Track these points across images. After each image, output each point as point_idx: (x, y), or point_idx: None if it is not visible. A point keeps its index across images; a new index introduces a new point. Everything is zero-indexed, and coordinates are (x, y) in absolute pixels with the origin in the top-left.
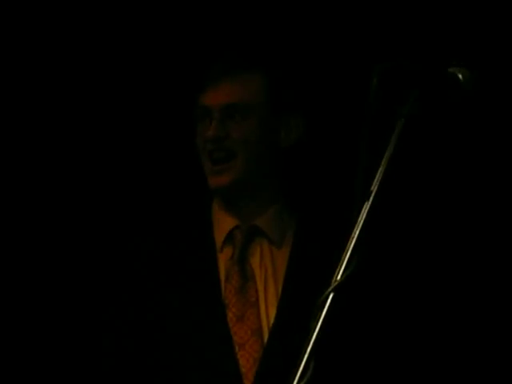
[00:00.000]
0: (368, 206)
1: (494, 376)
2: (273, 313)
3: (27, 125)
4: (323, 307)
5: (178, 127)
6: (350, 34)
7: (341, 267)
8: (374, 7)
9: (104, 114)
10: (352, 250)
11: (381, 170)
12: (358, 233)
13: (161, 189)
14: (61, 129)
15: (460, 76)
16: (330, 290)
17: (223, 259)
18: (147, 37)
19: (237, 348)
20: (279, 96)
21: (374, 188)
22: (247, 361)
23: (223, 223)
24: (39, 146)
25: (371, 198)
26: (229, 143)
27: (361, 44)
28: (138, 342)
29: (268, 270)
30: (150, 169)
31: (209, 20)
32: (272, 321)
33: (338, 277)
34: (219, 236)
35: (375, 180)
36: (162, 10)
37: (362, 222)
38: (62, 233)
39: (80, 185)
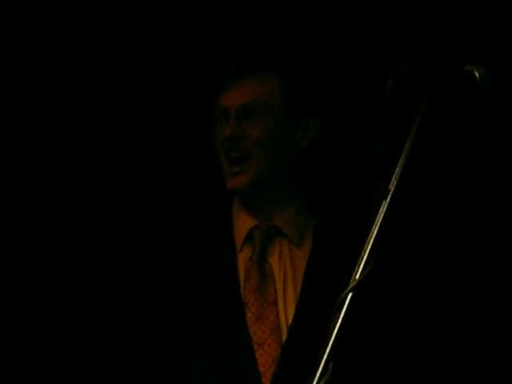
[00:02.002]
0: (386, 204)
1: (498, 378)
2: (291, 312)
3: (30, 126)
4: (342, 307)
5: (201, 129)
6: (365, 35)
7: (359, 266)
8: (387, 9)
9: (126, 113)
10: (370, 249)
11: (398, 169)
12: (376, 232)
13: (182, 189)
14: (84, 130)
15: (477, 74)
16: (348, 289)
17: (243, 259)
18: (165, 40)
19: (255, 347)
20: (295, 97)
21: (392, 187)
22: (266, 360)
23: (242, 223)
24: (56, 149)
25: (389, 197)
26: (245, 143)
27: (376, 45)
28: (157, 340)
29: (287, 270)
30: (173, 169)
31: (225, 22)
32: (290, 320)
33: (357, 276)
34: (239, 236)
35: (393, 179)
36: (178, 14)
37: (380, 220)
38: (81, 232)
39: (102, 185)
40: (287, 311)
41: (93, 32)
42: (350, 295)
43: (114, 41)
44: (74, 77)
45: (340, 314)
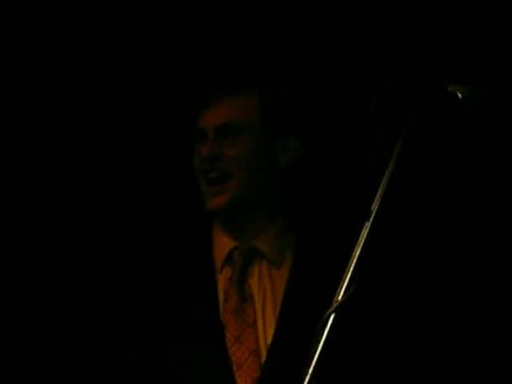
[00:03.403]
0: (369, 225)
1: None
2: (271, 333)
3: (32, 129)
4: (324, 328)
5: (181, 148)
6: (348, 53)
7: (342, 287)
8: (372, 26)
9: (109, 133)
10: (353, 271)
11: (381, 189)
12: (358, 253)
13: (162, 208)
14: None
15: (459, 94)
16: (331, 310)
17: (222, 280)
18: (152, 48)
19: (235, 368)
20: (273, 116)
21: (375, 207)
22: (245, 381)
23: (222, 244)
24: (56, 152)
25: (372, 218)
26: (223, 163)
27: (359, 63)
28: (135, 361)
29: (266, 291)
30: (152, 188)
31: (205, 42)
32: (270, 341)
33: (339, 297)
34: (219, 257)
35: (375, 199)
36: (165, 30)
37: (362, 241)
38: (67, 240)
39: (85, 201)
40: (266, 332)
41: (84, 39)
42: (332, 316)
43: (106, 48)
44: (63, 82)
45: (323, 335)
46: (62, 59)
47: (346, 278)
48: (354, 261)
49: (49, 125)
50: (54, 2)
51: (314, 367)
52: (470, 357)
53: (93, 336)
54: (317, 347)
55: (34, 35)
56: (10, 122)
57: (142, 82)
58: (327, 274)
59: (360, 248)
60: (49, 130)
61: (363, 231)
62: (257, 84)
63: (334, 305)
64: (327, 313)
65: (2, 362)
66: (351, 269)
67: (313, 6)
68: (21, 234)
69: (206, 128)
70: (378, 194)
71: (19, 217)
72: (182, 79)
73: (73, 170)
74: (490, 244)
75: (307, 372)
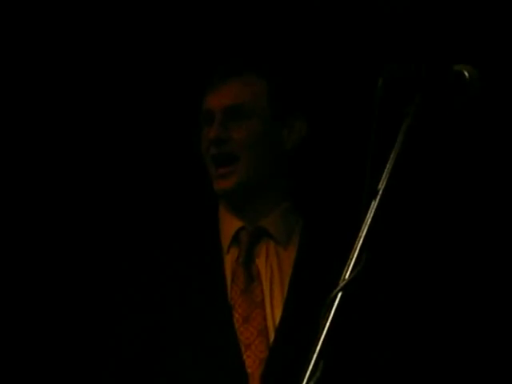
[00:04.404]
0: (375, 204)
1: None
2: (278, 313)
3: (33, 129)
4: (332, 306)
5: (187, 131)
6: (353, 35)
7: (349, 266)
8: (375, 9)
9: (114, 117)
10: (360, 249)
11: (387, 168)
12: (365, 232)
13: (168, 191)
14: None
15: (466, 74)
16: (338, 289)
17: (229, 260)
18: (153, 42)
19: (243, 348)
20: (281, 98)
21: (381, 187)
22: (253, 361)
23: (229, 225)
24: (58, 152)
25: (378, 197)
26: (231, 145)
27: (364, 45)
28: (143, 342)
29: (274, 271)
30: (159, 171)
31: (211, 25)
32: (278, 321)
33: (346, 276)
34: (225, 237)
35: (382, 179)
36: (166, 18)
37: (369, 220)
38: (67, 238)
39: (86, 189)
40: (274, 312)
41: (84, 35)
42: (339, 294)
43: (106, 42)
44: (66, 84)
45: (330, 313)
46: (62, 54)
47: (352, 257)
48: (361, 240)
49: (52, 122)
50: (54, 1)
51: (321, 346)
52: (471, 351)
53: (98, 320)
54: (324, 326)
55: (34, 35)
56: (10, 122)
57: (146, 66)
58: (334, 254)
59: (367, 227)
60: (52, 127)
61: (370, 210)
62: (263, 66)
63: (341, 283)
64: (334, 292)
65: None
66: (358, 248)
67: None
68: (22, 229)
69: (213, 109)
70: (385, 173)
71: (22, 213)
72: (185, 66)
73: (76, 154)
74: (496, 227)
75: (314, 351)
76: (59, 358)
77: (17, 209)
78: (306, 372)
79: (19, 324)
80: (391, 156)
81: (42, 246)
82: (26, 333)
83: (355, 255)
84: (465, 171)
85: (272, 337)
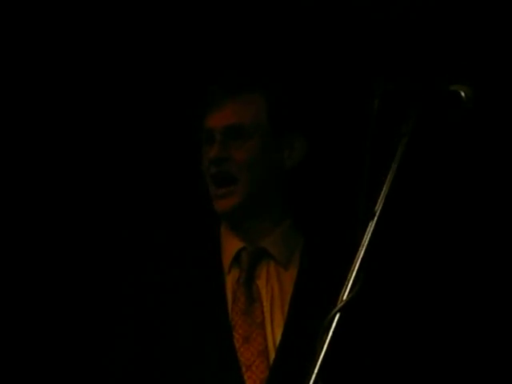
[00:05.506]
0: (372, 225)
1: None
2: (279, 334)
3: (33, 129)
4: (329, 327)
5: (190, 148)
6: (351, 53)
7: (346, 287)
8: (374, 26)
9: (114, 136)
10: (357, 270)
11: (384, 189)
12: (363, 253)
13: (170, 210)
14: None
15: (462, 94)
16: (335, 310)
17: (230, 281)
18: (155, 51)
19: (243, 369)
20: (280, 116)
21: (378, 208)
22: (254, 382)
23: (230, 245)
24: (61, 153)
25: (375, 218)
26: (231, 166)
27: (362, 63)
28: (144, 362)
29: (274, 291)
30: (161, 189)
31: (209, 40)
32: (278, 342)
33: (344, 297)
34: (226, 258)
35: (379, 200)
36: (167, 26)
37: (366, 241)
38: (70, 244)
39: (90, 202)
40: (275, 333)
41: (83, 40)
42: (337, 316)
43: (106, 48)
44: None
45: (328, 334)
46: (64, 58)
47: (350, 277)
48: (359, 260)
49: (54, 123)
50: (54, 1)
51: (320, 367)
52: (472, 355)
53: (97, 339)
54: (322, 347)
55: (34, 35)
56: (11, 122)
57: (146, 80)
58: (335, 275)
59: (364, 248)
60: (54, 128)
61: (367, 231)
62: (262, 84)
63: (339, 304)
64: (332, 312)
65: None
66: (356, 268)
67: (316, 7)
68: (22, 231)
69: (213, 128)
70: (382, 194)
71: (21, 214)
72: (184, 78)
73: (81, 175)
74: (492, 244)
75: (312, 372)
76: (59, 358)
77: (16, 210)
78: None
79: (19, 325)
80: (388, 176)
81: (42, 247)
82: (26, 334)
83: (353, 276)
84: (462, 188)
85: (272, 357)
